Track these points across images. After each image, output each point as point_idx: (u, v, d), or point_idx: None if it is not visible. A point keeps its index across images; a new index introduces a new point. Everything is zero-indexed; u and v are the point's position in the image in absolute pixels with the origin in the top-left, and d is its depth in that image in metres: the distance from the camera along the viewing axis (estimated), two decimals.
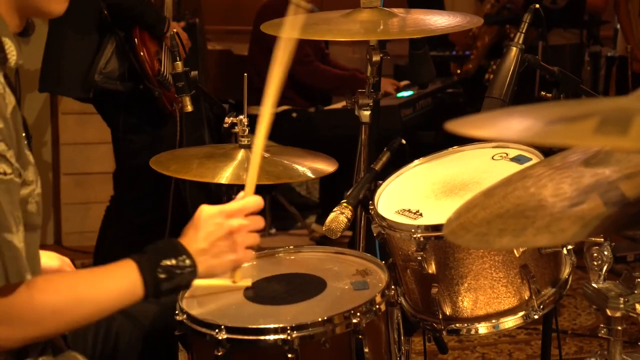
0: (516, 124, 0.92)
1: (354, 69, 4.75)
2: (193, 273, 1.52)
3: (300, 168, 2.19)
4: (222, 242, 1.55)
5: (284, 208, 4.80)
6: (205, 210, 1.57)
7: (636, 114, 0.88)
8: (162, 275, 1.48)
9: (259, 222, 1.61)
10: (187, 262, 1.51)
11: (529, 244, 1.34)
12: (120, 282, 1.48)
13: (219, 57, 5.13)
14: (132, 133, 3.35)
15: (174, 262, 1.50)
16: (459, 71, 5.36)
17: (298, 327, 1.61)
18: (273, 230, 4.81)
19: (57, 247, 4.69)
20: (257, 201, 1.61)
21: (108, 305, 1.48)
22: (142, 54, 3.14)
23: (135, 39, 3.15)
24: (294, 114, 4.53)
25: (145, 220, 3.49)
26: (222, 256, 1.56)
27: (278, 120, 4.94)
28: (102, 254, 3.57)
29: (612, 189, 1.19)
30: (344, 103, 4.48)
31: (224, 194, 2.57)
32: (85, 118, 4.52)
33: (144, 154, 3.31)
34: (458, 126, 0.95)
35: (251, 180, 1.63)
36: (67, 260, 1.78)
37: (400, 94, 4.61)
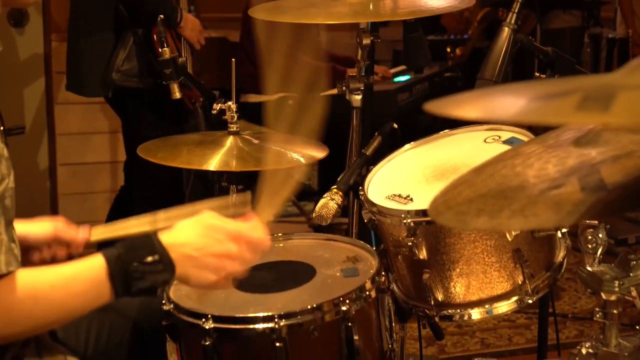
0: (497, 102, 0.89)
1: (339, 58, 4.69)
2: (169, 273, 1.42)
3: (290, 154, 2.15)
4: (212, 260, 1.44)
5: None
6: (210, 219, 1.47)
7: (620, 89, 0.85)
8: (133, 275, 1.38)
9: (253, 257, 1.51)
10: (163, 262, 1.40)
11: (502, 226, 1.30)
12: (86, 283, 1.38)
13: (215, 45, 5.09)
14: (153, 129, 3.28)
15: (148, 260, 1.39)
16: (452, 55, 5.32)
17: (286, 316, 1.58)
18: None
19: None
20: (265, 239, 1.52)
21: (72, 308, 1.38)
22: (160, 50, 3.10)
23: (155, 36, 3.09)
24: (290, 101, 4.49)
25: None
26: (204, 271, 1.45)
27: (275, 107, 4.88)
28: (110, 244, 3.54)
29: (592, 172, 1.15)
30: None
31: (216, 182, 2.53)
32: (80, 108, 4.49)
33: None
34: (437, 107, 0.92)
35: (270, 207, 1.56)
36: (60, 223, 1.69)
37: (397, 79, 4.57)
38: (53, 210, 4.70)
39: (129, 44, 3.16)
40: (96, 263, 1.39)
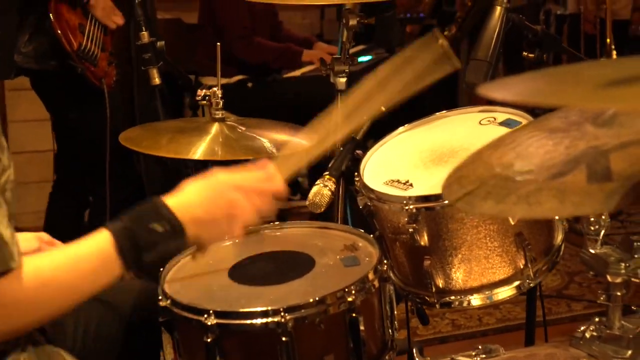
0: (567, 89, 0.84)
1: (297, 39, 4.62)
2: (180, 239, 1.34)
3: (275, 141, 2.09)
4: (224, 219, 1.38)
5: None
6: (219, 179, 1.39)
7: None
8: (143, 245, 1.30)
9: (265, 205, 1.43)
10: (173, 228, 1.32)
11: (505, 212, 1.23)
12: (93, 261, 1.29)
13: (169, 26, 4.97)
14: (67, 112, 3.17)
15: (156, 227, 1.31)
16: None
17: (291, 309, 1.52)
18: None
19: None
20: (277, 188, 1.44)
21: (82, 288, 1.30)
22: (58, 31, 2.90)
23: (51, 15, 2.90)
24: (249, 84, 4.40)
25: (86, 199, 3.35)
26: (216, 228, 1.39)
27: (233, 91, 4.82)
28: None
29: (601, 159, 1.09)
30: (303, 70, 4.40)
31: (190, 168, 2.45)
32: (33, 94, 4.34)
33: (81, 132, 3.16)
34: (492, 91, 0.87)
35: (294, 165, 1.49)
36: (44, 238, 1.62)
37: (360, 59, 4.51)
38: None
39: (31, 25, 3.00)
40: (102, 238, 1.30)
